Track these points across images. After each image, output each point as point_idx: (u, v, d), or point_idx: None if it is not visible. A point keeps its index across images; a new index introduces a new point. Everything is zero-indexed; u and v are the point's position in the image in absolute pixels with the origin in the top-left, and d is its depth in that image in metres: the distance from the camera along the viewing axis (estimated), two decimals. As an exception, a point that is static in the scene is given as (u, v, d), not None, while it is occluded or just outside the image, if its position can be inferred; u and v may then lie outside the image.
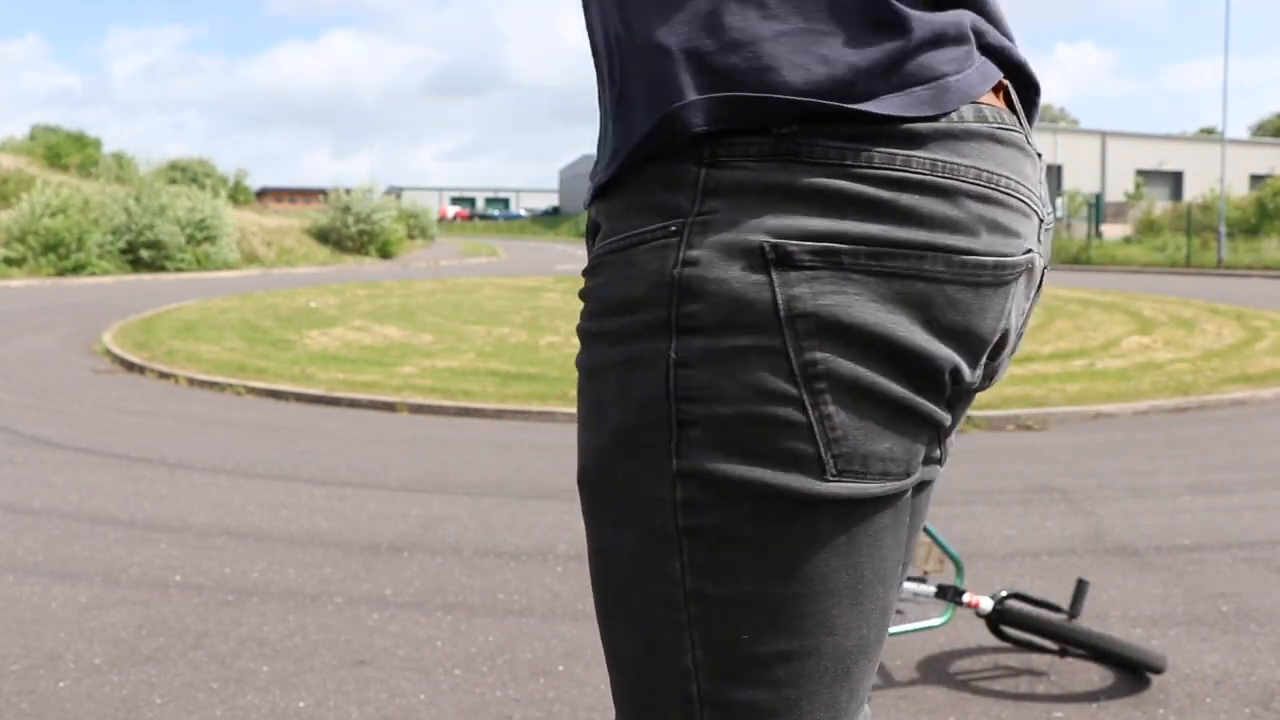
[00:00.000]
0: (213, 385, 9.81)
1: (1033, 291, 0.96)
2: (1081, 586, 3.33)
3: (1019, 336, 0.97)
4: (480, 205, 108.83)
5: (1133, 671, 3.30)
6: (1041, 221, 0.94)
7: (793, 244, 0.82)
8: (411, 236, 49.89)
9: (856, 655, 0.91)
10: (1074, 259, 32.01)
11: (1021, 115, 0.93)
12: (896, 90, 0.82)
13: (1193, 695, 3.19)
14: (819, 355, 0.82)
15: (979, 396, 8.40)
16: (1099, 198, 41.82)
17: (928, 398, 0.87)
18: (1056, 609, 3.34)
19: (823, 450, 0.83)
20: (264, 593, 4.14)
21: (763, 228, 0.82)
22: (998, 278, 0.87)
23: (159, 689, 3.25)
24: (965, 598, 3.29)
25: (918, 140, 0.83)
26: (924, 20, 0.84)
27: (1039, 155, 0.95)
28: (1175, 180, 67.39)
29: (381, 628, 3.77)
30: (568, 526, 5.08)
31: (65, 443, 7.22)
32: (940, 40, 0.85)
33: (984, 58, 0.89)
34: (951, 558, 3.33)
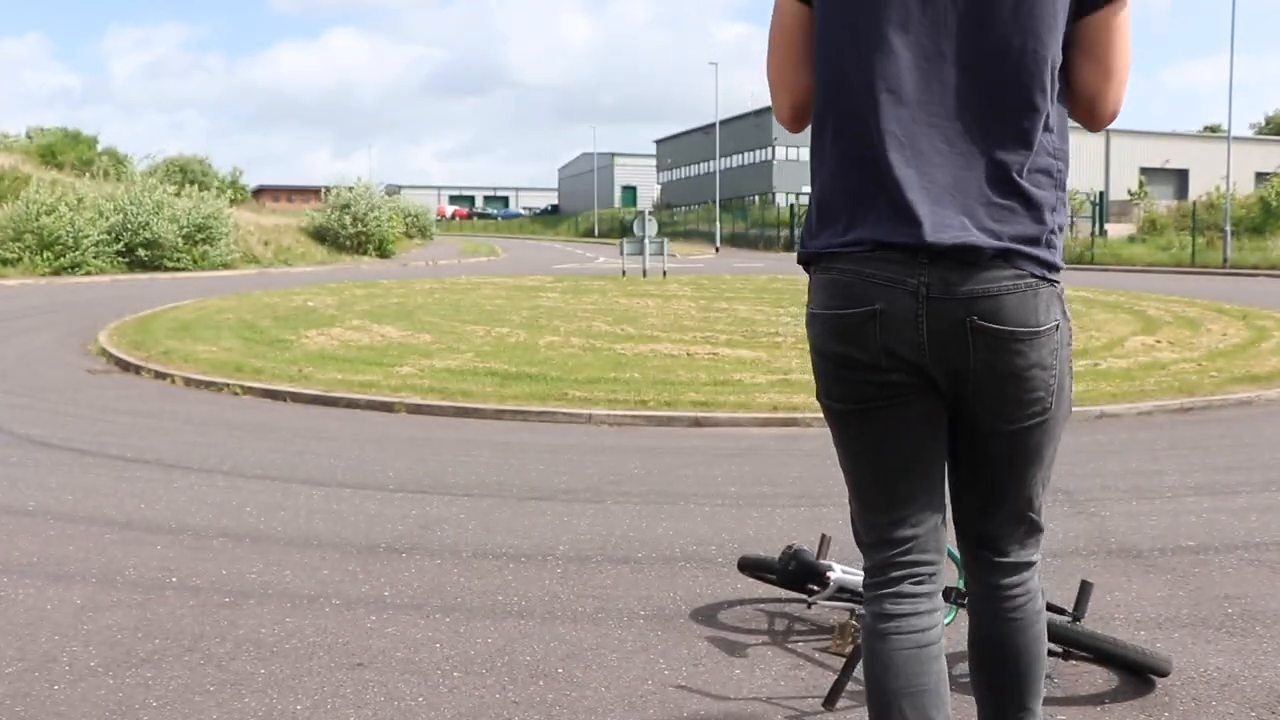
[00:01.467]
0: (209, 385, 9.77)
1: (935, 322, 1.88)
2: (1085, 588, 3.29)
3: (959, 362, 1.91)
4: (479, 204, 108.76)
5: (1137, 674, 3.27)
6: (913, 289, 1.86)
7: (807, 308, 2.03)
8: (410, 236, 49.85)
9: (853, 486, 2.07)
10: (1077, 258, 31.89)
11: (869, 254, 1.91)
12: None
13: (1198, 699, 3.16)
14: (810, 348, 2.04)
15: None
16: (1103, 196, 41.71)
17: (845, 373, 1.96)
18: (1060, 611, 3.31)
19: (818, 386, 2.04)
20: (261, 594, 4.11)
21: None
22: (844, 319, 1.93)
23: (155, 692, 3.22)
24: (968, 600, 3.25)
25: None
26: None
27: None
28: (1180, 178, 67.35)
29: (379, 630, 3.74)
30: (567, 527, 5.05)
31: (60, 443, 7.19)
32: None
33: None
34: (954, 559, 3.29)
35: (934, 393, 1.96)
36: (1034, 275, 1.86)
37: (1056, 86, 1.87)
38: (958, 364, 1.88)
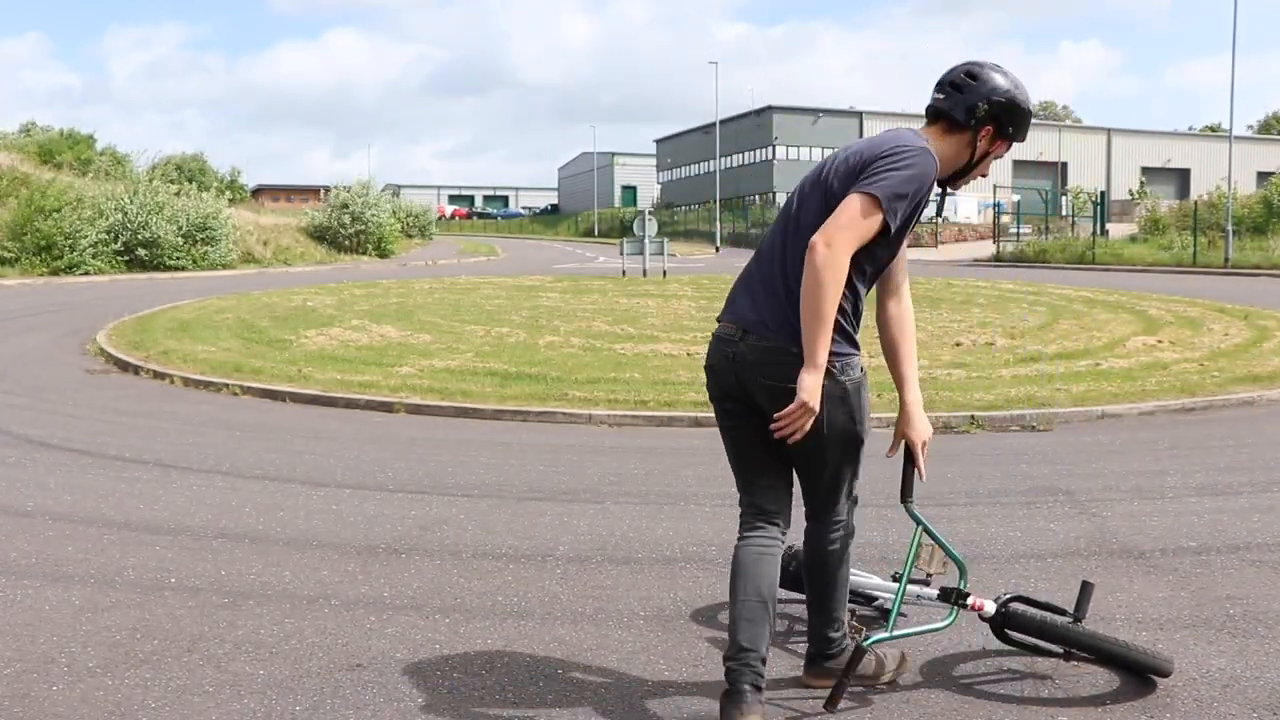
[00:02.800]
0: (208, 385, 9.76)
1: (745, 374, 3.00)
2: (1086, 589, 3.28)
3: (759, 391, 2.98)
4: (479, 203, 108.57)
5: (1139, 675, 3.26)
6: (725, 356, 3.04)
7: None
8: (409, 235, 49.80)
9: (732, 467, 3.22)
10: (1079, 258, 31.78)
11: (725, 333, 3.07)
12: None
13: (1199, 700, 3.15)
14: None
15: (983, 397, 8.24)
16: (1104, 196, 41.58)
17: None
18: (1061, 612, 3.30)
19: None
20: (260, 595, 4.09)
21: None
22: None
23: (154, 693, 3.21)
24: (969, 601, 3.25)
25: None
26: None
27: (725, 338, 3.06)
28: (1181, 178, 67.32)
29: (379, 630, 3.73)
30: (567, 528, 5.04)
31: (59, 444, 7.18)
32: None
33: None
34: (955, 560, 3.28)
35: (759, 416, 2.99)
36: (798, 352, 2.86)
37: None
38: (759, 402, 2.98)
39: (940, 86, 3.01)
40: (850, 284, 2.87)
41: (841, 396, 2.89)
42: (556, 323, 14.07)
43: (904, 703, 3.15)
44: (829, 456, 2.98)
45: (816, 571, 3.19)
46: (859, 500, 3.20)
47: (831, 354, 2.83)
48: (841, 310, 2.87)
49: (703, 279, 23.90)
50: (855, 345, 2.95)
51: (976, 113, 2.96)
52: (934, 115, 3.03)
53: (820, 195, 2.94)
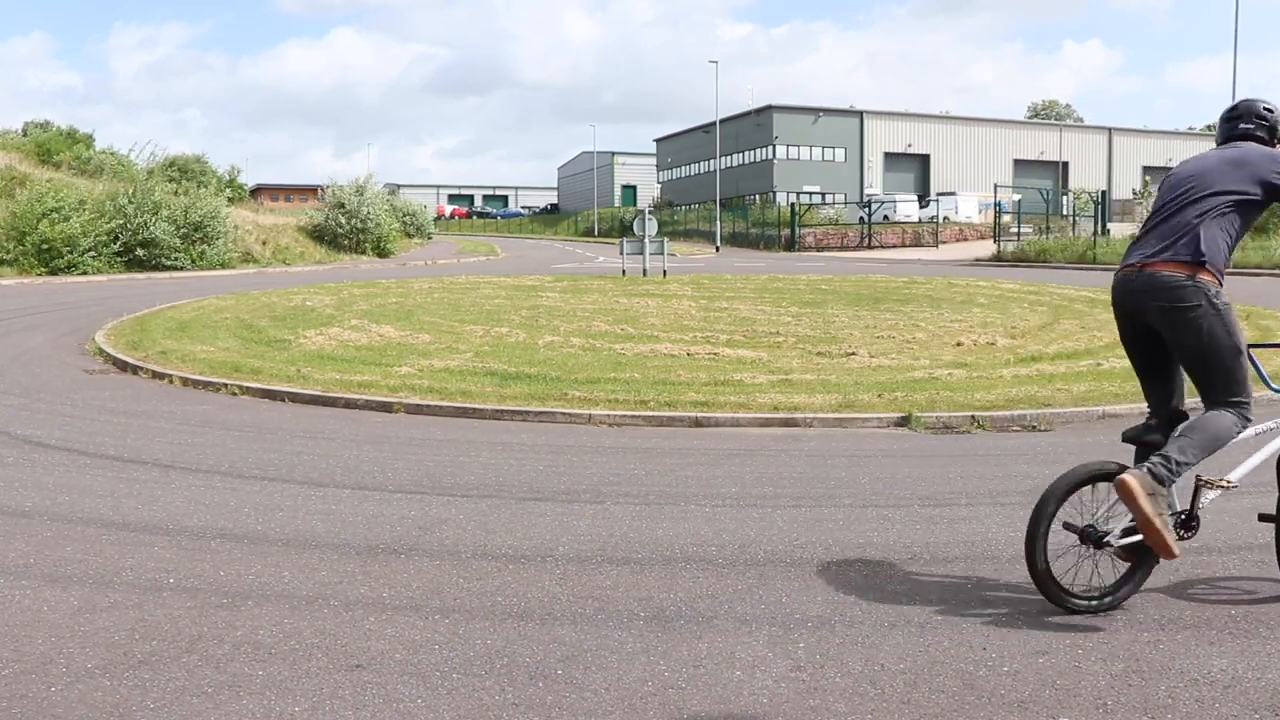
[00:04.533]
0: (207, 385, 9.75)
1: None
2: None
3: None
4: (478, 203, 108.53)
5: None
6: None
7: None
8: (409, 235, 49.80)
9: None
10: (1080, 257, 31.84)
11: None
12: None
13: (1201, 700, 3.15)
14: None
15: (984, 397, 8.22)
16: (1105, 195, 41.63)
17: None
18: None
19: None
20: (259, 596, 4.09)
21: None
22: None
23: (152, 694, 3.20)
24: None
25: None
26: None
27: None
28: (1182, 177, 67.14)
29: (378, 631, 3.72)
30: (567, 528, 5.03)
31: (57, 444, 7.16)
32: None
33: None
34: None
35: None
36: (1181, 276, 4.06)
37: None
38: None
39: (1246, 118, 4.38)
40: (1232, 241, 4.16)
41: (1218, 314, 4.01)
42: (556, 322, 14.06)
43: (904, 703, 3.14)
44: (1215, 361, 4.02)
45: (1198, 421, 4.06)
46: (1246, 406, 4.04)
47: (1210, 287, 4.01)
48: (1216, 261, 4.08)
49: (703, 278, 23.90)
50: (1222, 283, 4.09)
51: (1278, 133, 4.34)
52: (1243, 139, 4.34)
53: (1205, 182, 4.17)
